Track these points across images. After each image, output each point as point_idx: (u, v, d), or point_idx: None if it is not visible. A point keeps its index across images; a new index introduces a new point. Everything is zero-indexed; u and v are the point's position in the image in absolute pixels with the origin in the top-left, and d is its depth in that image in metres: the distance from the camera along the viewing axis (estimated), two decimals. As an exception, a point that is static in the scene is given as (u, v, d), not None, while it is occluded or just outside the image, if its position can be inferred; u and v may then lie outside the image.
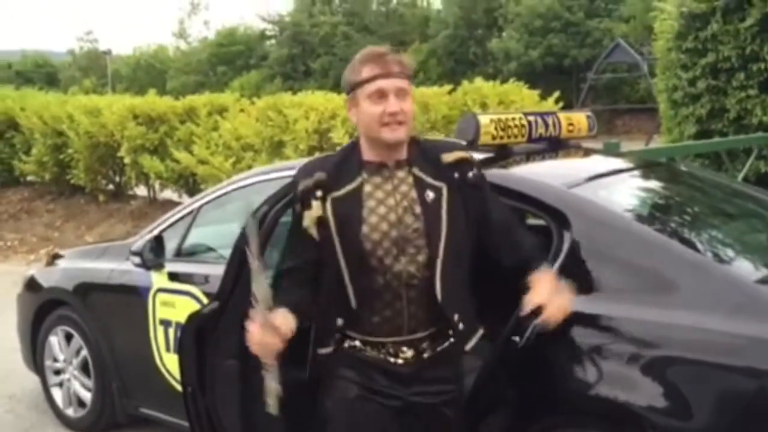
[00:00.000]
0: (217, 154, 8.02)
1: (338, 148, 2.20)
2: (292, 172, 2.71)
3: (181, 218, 3.54)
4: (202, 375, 2.63)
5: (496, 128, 2.74)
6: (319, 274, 2.07)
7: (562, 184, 2.46)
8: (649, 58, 17.40)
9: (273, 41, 41.35)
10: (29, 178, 10.90)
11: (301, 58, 38.19)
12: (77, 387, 3.91)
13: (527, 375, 2.24)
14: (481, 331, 2.13)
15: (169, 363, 3.30)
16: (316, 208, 2.02)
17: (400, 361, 2.05)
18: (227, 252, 2.74)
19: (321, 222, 2.02)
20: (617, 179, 2.81)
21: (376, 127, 1.98)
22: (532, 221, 2.69)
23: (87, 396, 3.86)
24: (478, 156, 2.25)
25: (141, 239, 3.54)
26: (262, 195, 2.82)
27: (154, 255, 3.37)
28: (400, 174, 2.03)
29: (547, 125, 2.96)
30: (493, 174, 2.39)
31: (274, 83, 34.66)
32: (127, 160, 9.28)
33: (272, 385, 1.98)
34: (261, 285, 1.95)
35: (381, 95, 1.97)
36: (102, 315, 3.71)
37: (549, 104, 8.29)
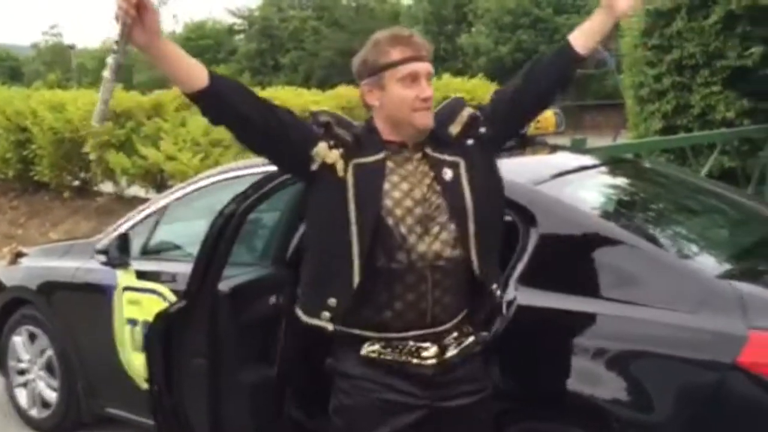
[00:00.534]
0: (185, 150, 7.95)
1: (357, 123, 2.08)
2: (261, 169, 2.72)
3: (148, 216, 3.50)
4: (169, 374, 2.61)
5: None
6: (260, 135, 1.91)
7: (529, 180, 2.48)
8: (616, 55, 17.62)
9: (242, 36, 41.05)
10: (-8, 175, 10.71)
11: (270, 52, 37.98)
12: (42, 387, 3.85)
13: (494, 370, 2.25)
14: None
15: (136, 362, 3.26)
16: (334, 156, 1.91)
17: (422, 362, 1.95)
18: (195, 250, 2.71)
19: (331, 174, 1.90)
20: (583, 176, 2.85)
21: (408, 111, 1.92)
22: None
23: (52, 396, 3.81)
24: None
25: (107, 237, 3.50)
26: (231, 192, 2.80)
27: (120, 253, 3.32)
28: (417, 156, 1.97)
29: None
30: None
31: (243, 78, 34.40)
32: (92, 156, 9.14)
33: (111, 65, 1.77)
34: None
35: (414, 78, 1.91)
36: (67, 314, 3.66)
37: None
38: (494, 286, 2.03)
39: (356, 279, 1.90)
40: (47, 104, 9.69)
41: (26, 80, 35.88)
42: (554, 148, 3.23)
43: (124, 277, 3.34)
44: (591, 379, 2.11)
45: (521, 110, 2.09)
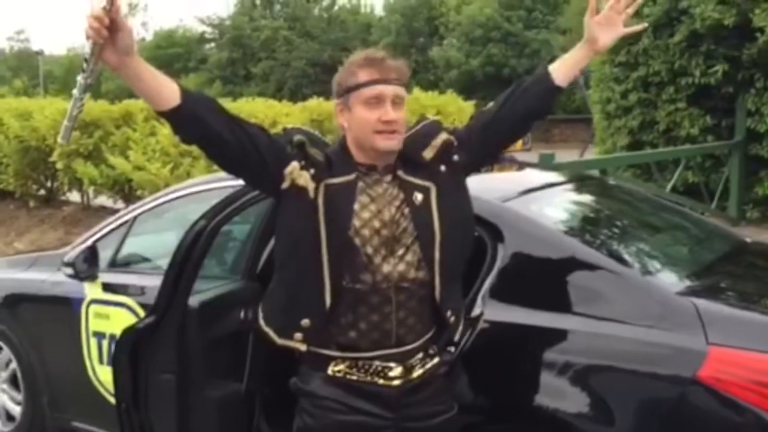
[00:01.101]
0: (154, 160, 7.89)
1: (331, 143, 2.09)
2: (231, 183, 2.72)
3: (116, 228, 3.47)
4: (136, 389, 2.59)
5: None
6: (232, 156, 1.90)
7: (496, 197, 2.51)
8: (585, 71, 17.91)
9: (212, 44, 40.87)
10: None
11: (242, 62, 37.90)
12: (5, 401, 3.80)
13: (460, 383, 2.28)
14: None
15: (103, 376, 3.24)
16: (305, 177, 1.90)
17: (388, 382, 1.95)
18: (164, 262, 2.71)
19: (302, 194, 1.90)
20: (550, 193, 2.90)
21: (369, 134, 1.91)
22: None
23: (16, 410, 3.75)
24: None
25: (74, 249, 3.47)
26: (200, 205, 2.80)
27: (87, 266, 3.29)
28: (387, 178, 1.97)
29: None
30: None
31: (214, 87, 34.27)
32: (59, 165, 9.04)
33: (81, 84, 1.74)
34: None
35: (378, 101, 1.90)
36: (32, 327, 3.62)
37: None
38: (449, 312, 2.02)
39: (328, 300, 1.91)
40: (13, 112, 9.58)
41: (-9, 86, 35.27)
42: (522, 165, 3.29)
43: (92, 290, 3.31)
44: (556, 393, 2.14)
45: (496, 137, 2.10)
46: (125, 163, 8.11)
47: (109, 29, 1.69)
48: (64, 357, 3.46)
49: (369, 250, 1.91)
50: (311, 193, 1.91)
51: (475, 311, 2.27)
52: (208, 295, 2.73)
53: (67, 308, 3.40)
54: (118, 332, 2.69)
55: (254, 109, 7.90)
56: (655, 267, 2.52)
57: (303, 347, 1.96)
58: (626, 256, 2.50)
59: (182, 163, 7.76)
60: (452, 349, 2.10)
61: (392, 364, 1.96)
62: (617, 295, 2.19)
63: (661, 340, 2.05)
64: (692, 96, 8.63)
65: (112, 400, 2.75)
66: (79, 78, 1.76)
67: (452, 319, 2.04)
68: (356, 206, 1.93)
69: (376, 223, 1.92)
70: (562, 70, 2.06)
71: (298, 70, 35.54)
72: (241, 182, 2.35)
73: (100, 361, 3.27)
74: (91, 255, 3.31)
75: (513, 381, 2.25)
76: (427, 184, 1.98)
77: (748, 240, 3.22)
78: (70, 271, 3.33)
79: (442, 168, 2.00)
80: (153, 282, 2.90)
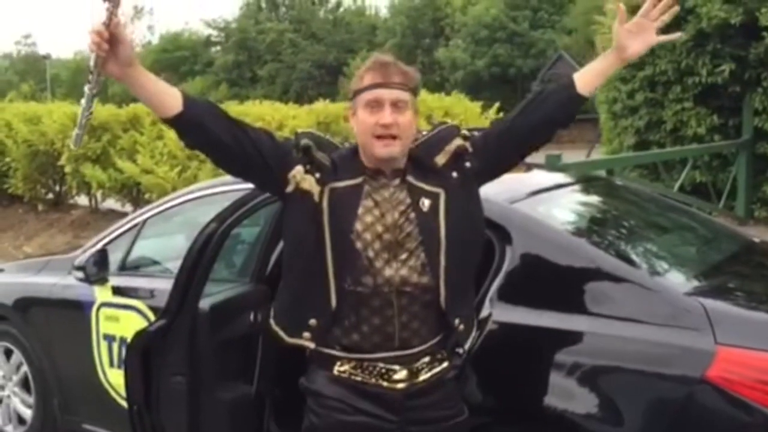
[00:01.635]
0: (161, 163, 7.93)
1: (344, 145, 2.11)
2: (240, 186, 2.74)
3: (126, 231, 3.50)
4: (148, 392, 2.61)
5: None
6: (236, 161, 1.94)
7: (504, 199, 2.52)
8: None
9: (218, 47, 40.98)
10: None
11: (248, 64, 37.99)
12: (17, 403, 3.82)
13: (469, 384, 2.29)
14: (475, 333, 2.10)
15: (113, 379, 3.26)
16: (309, 181, 1.93)
17: (392, 385, 1.94)
18: (173, 265, 2.72)
19: (306, 198, 1.92)
20: (557, 194, 2.91)
21: (369, 139, 1.91)
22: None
23: (27, 413, 3.78)
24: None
25: (84, 253, 3.49)
26: (210, 208, 2.82)
27: (97, 269, 3.32)
28: (396, 182, 1.96)
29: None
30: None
31: (220, 90, 34.37)
32: (68, 169, 9.09)
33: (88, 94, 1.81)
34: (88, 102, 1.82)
35: (377, 105, 1.90)
36: (43, 330, 3.64)
37: (491, 115, 8.44)
38: (458, 320, 2.00)
39: (334, 301, 1.93)
40: (22, 116, 9.63)
41: (-1, 90, 35.48)
42: (530, 167, 3.30)
43: (102, 293, 3.33)
44: (563, 393, 2.15)
45: (513, 144, 2.07)
46: (133, 166, 8.15)
47: (110, 43, 1.75)
48: (74, 360, 3.48)
49: (370, 253, 1.91)
50: (316, 197, 1.93)
51: (484, 313, 2.28)
52: (219, 298, 2.75)
53: (77, 311, 3.42)
54: (128, 335, 2.71)
55: (261, 112, 7.92)
56: (663, 267, 2.53)
57: (311, 345, 1.98)
58: (634, 257, 2.51)
59: (190, 166, 7.79)
60: (460, 350, 2.10)
61: (396, 367, 1.96)
62: (625, 296, 2.19)
63: (670, 341, 2.05)
64: (699, 95, 8.61)
65: (123, 402, 2.77)
66: (86, 89, 1.83)
67: (461, 326, 2.02)
68: (360, 210, 1.93)
69: (379, 227, 1.93)
70: (586, 78, 2.03)
71: (303, 72, 35.62)
72: (249, 185, 2.37)
73: (111, 364, 3.29)
74: (101, 258, 3.33)
75: (521, 382, 2.26)
76: (436, 189, 1.97)
77: (756, 240, 3.22)
78: (80, 274, 3.35)
79: (454, 174, 1.99)
80: (163, 285, 2.92)
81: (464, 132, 2.07)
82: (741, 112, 8.58)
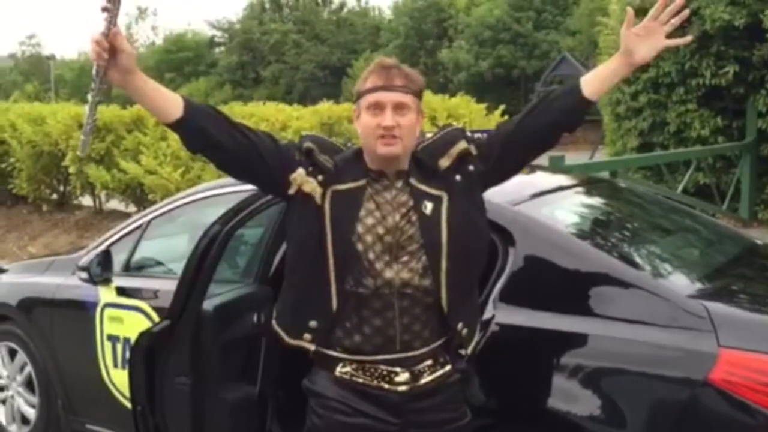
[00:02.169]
0: (165, 164, 7.93)
1: (348, 147, 2.14)
2: (244, 187, 2.75)
3: (130, 232, 3.51)
4: (152, 393, 2.62)
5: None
6: (230, 157, 1.95)
7: (507, 201, 2.53)
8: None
9: (222, 48, 41.02)
10: (-31, 188, 10.61)
11: (251, 65, 38.02)
12: (21, 403, 3.84)
13: (472, 386, 2.30)
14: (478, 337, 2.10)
15: (117, 379, 3.27)
16: (311, 184, 1.95)
17: (394, 387, 1.95)
18: (177, 266, 2.73)
19: (308, 200, 1.94)
20: (560, 196, 2.91)
21: (372, 140, 1.93)
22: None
23: (31, 413, 3.79)
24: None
25: (88, 253, 3.50)
26: (214, 209, 2.83)
27: (101, 270, 3.33)
28: (398, 184, 1.98)
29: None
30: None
31: (224, 90, 34.41)
32: (72, 170, 9.11)
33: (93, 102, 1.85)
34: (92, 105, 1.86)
35: (379, 108, 1.92)
36: (47, 330, 3.65)
37: (496, 117, 8.44)
38: (461, 324, 2.00)
39: (335, 303, 1.94)
40: (26, 117, 9.66)
41: (3, 91, 35.58)
42: (533, 168, 3.30)
43: (106, 294, 3.34)
44: (566, 395, 2.16)
45: (518, 148, 2.06)
46: (137, 167, 8.16)
47: (110, 52, 1.79)
48: (78, 360, 3.49)
49: (371, 255, 1.93)
50: (318, 199, 1.95)
51: (487, 315, 2.28)
52: (222, 299, 2.76)
53: (81, 312, 3.43)
54: (132, 335, 2.72)
55: (265, 113, 7.93)
56: (666, 270, 2.53)
57: (312, 347, 1.99)
58: (637, 259, 2.51)
59: (193, 167, 7.80)
60: (463, 354, 2.10)
61: (398, 369, 1.96)
62: (628, 299, 2.20)
63: (673, 343, 2.06)
64: (703, 97, 8.60)
65: (126, 403, 2.78)
66: (89, 96, 1.87)
67: (464, 330, 2.02)
68: (361, 212, 1.95)
69: (380, 230, 1.94)
70: (593, 82, 2.01)
71: (307, 73, 35.64)
72: (253, 187, 2.38)
73: (115, 365, 3.30)
74: (105, 259, 3.35)
75: (524, 384, 2.26)
76: (439, 193, 1.98)
77: (759, 242, 3.22)
78: (84, 275, 3.37)
79: (457, 177, 2.00)
80: (166, 286, 2.93)
81: (470, 135, 2.08)
82: (745, 114, 8.57)
